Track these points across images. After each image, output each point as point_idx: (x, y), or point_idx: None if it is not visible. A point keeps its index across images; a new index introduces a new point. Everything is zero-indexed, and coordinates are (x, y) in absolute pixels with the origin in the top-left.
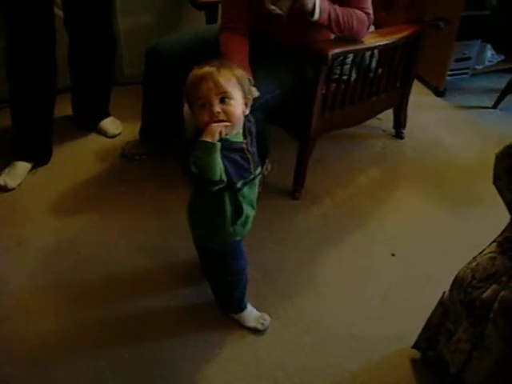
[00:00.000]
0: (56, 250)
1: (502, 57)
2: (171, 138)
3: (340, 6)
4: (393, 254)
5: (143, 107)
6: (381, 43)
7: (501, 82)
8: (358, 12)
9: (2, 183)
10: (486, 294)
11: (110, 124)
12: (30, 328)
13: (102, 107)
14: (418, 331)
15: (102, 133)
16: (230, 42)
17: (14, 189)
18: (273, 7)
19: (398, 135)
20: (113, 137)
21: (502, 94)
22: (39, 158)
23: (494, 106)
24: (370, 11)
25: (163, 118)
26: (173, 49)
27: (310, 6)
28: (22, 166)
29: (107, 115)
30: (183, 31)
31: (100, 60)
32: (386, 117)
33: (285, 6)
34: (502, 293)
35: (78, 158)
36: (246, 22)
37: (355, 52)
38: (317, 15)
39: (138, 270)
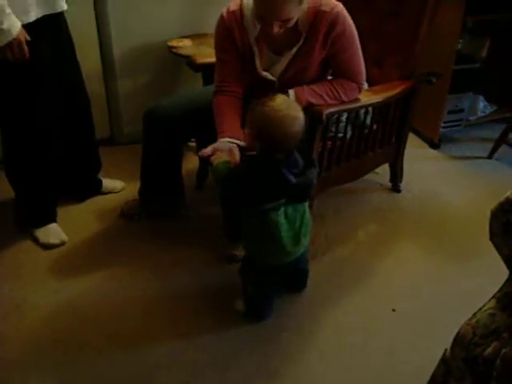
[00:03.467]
0: (56, 311)
1: (495, 107)
2: (170, 198)
3: (334, 76)
4: (393, 310)
5: (142, 168)
6: (374, 101)
7: (495, 132)
8: (346, 83)
9: (57, 241)
10: (487, 352)
11: (111, 182)
12: None
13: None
14: None
15: (109, 191)
16: (222, 104)
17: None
18: (265, 73)
19: (395, 189)
20: (121, 190)
21: (497, 144)
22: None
23: (489, 156)
24: (361, 77)
25: (162, 178)
26: (170, 112)
27: None
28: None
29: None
30: (179, 94)
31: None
32: (383, 170)
33: (277, 72)
34: (504, 350)
35: (79, 217)
36: (239, 85)
37: (350, 111)
38: None
39: (137, 329)
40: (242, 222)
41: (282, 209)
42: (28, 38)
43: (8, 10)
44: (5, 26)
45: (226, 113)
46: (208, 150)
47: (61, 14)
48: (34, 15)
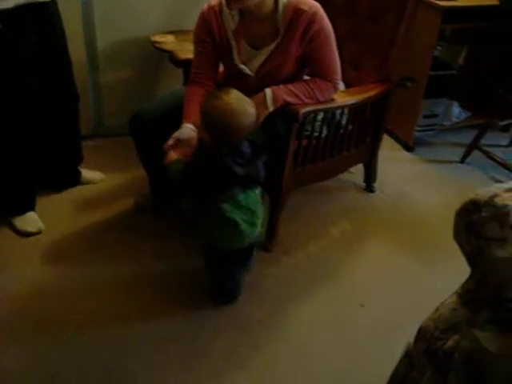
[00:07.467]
0: (31, 297)
1: (469, 114)
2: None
3: (310, 75)
4: (362, 305)
5: (142, 165)
6: (350, 102)
7: (467, 137)
8: (322, 83)
9: (35, 229)
10: (447, 345)
11: (90, 172)
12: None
13: (73, 166)
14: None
15: (88, 182)
16: (193, 94)
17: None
18: (243, 66)
19: (369, 189)
20: (100, 181)
21: (469, 149)
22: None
23: (462, 161)
24: (336, 76)
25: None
26: (154, 114)
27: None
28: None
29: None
30: (162, 95)
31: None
32: (357, 170)
33: (254, 66)
34: (462, 343)
35: (57, 207)
36: (212, 79)
37: (326, 110)
38: (270, 108)
39: (113, 312)
40: (200, 214)
41: (237, 196)
42: None
43: None
44: None
45: (195, 101)
46: (171, 142)
47: (51, 5)
48: (12, 1)
